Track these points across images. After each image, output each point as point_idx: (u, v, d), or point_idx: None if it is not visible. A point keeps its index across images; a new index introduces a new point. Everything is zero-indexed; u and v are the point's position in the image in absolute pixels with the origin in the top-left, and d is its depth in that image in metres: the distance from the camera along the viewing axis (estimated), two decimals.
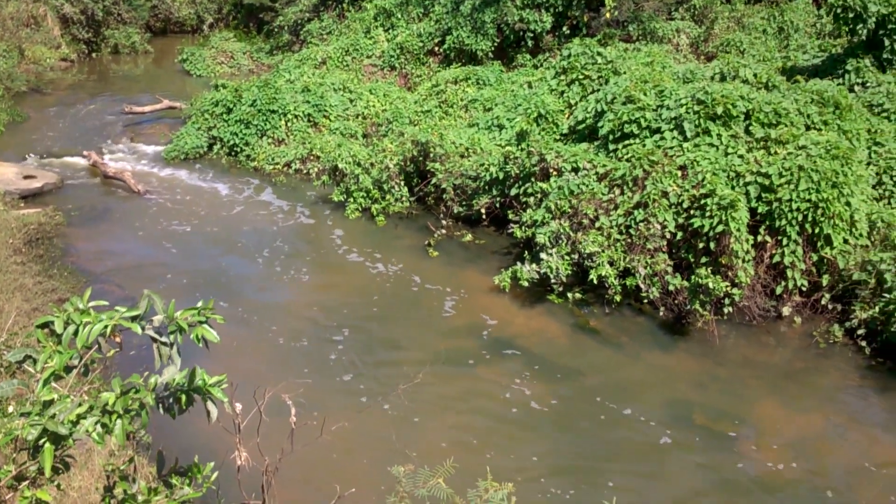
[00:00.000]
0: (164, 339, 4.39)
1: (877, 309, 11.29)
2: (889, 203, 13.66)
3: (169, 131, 20.28)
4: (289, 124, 19.10)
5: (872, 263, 11.69)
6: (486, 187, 14.61)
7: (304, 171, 17.69)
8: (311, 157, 17.86)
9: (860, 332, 11.35)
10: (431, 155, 15.28)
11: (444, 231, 14.48)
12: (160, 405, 4.68)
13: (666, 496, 8.57)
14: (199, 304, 4.11)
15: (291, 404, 6.27)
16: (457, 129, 17.18)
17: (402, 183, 15.54)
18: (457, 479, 6.08)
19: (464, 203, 14.94)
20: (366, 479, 8.09)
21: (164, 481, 4.88)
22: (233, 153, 18.76)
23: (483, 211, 14.57)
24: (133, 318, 3.98)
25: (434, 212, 15.34)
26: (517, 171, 14.00)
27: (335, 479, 7.12)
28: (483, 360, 10.93)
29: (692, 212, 11.98)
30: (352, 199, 15.46)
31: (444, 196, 15.00)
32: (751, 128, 12.93)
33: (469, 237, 14.51)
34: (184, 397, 4.59)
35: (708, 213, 11.63)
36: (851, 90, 16.82)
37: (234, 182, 17.41)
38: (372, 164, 15.78)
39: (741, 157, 12.55)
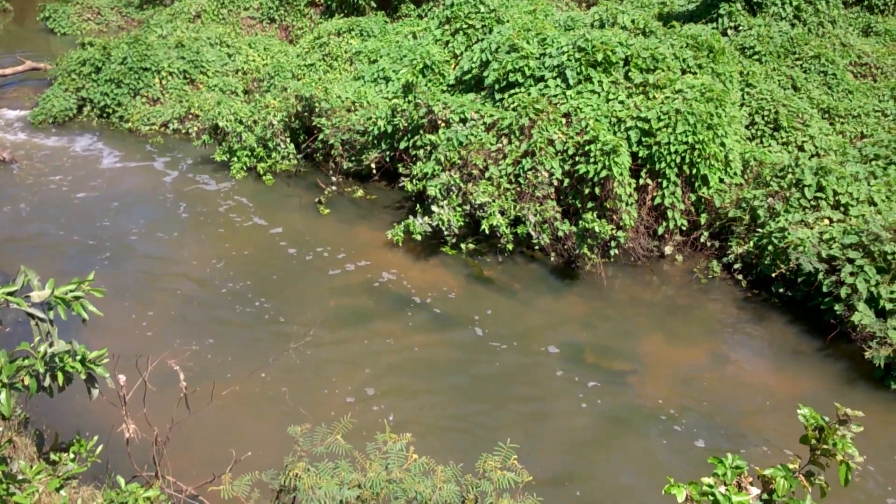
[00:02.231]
0: (41, 315, 4.14)
1: (751, 244, 11.91)
2: (761, 142, 14.36)
3: (34, 94, 18.92)
4: (163, 82, 18.19)
5: (746, 201, 12.29)
6: (375, 141, 14.42)
7: (183, 131, 16.94)
8: (190, 116, 17.12)
9: (737, 266, 11.97)
10: (317, 110, 14.92)
11: (334, 188, 14.23)
12: (38, 384, 4.43)
13: (559, 433, 8.85)
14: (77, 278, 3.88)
15: (179, 370, 6.07)
16: (342, 82, 16.82)
17: (288, 140, 15.12)
18: (355, 435, 6.08)
19: (353, 158, 14.71)
20: (262, 441, 7.97)
21: (45, 459, 4.64)
22: (105, 115, 17.73)
23: (373, 166, 14.39)
24: (10, 294, 3.72)
25: (323, 168, 15.04)
26: (405, 124, 13.87)
27: (231, 445, 6.99)
28: (379, 314, 10.90)
29: (577, 158, 12.21)
30: (236, 159, 14.95)
31: (332, 152, 14.71)
32: (630, 73, 13.24)
33: (360, 193, 14.33)
34: (60, 375, 4.35)
35: (592, 159, 11.89)
36: (724, 34, 17.50)
37: (108, 145, 16.48)
38: (255, 122, 15.26)
39: (622, 102, 12.85)
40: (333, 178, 14.55)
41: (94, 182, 14.76)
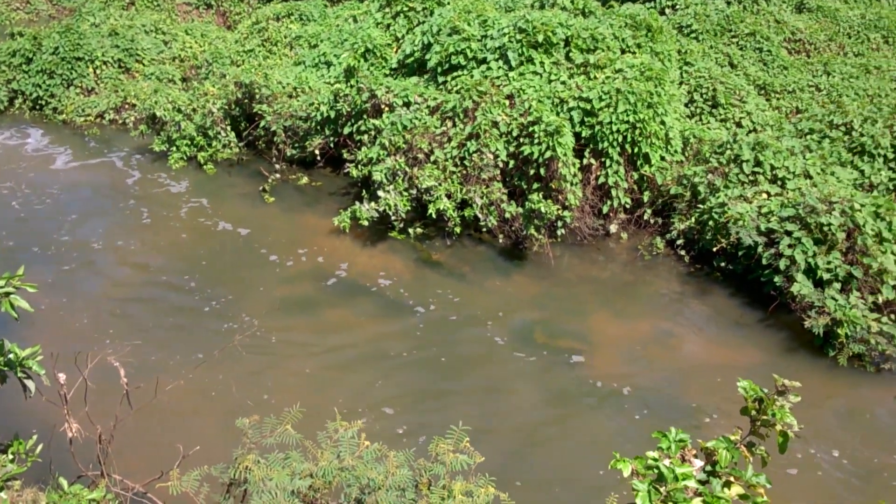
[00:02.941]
0: None
1: (693, 220, 12.13)
2: (700, 119, 14.61)
3: None
4: (98, 72, 17.64)
5: (687, 177, 12.50)
6: (318, 127, 14.24)
7: (120, 122, 16.45)
8: (126, 106, 16.65)
9: (679, 242, 12.18)
10: (257, 96, 14.65)
11: (278, 175, 14.03)
12: None
13: (511, 413, 8.94)
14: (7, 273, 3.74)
15: (120, 367, 5.94)
16: (282, 68, 16.54)
17: (229, 128, 14.83)
18: (306, 424, 6.03)
19: (296, 145, 14.50)
20: (210, 435, 7.86)
21: None
22: (37, 107, 17.12)
23: (317, 152, 14.21)
24: None
25: (266, 156, 14.80)
26: (348, 109, 13.72)
27: (178, 440, 6.87)
28: (327, 302, 10.82)
29: (522, 140, 12.25)
30: (175, 148, 14.60)
31: (274, 139, 14.46)
32: (571, 54, 13.31)
33: (305, 180, 14.16)
34: None
35: (536, 140, 11.93)
36: (662, 13, 17.72)
37: (41, 138, 15.95)
38: (194, 110, 14.92)
39: (563, 83, 12.92)
40: (277, 166, 14.34)
41: (28, 175, 14.28)
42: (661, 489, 2.82)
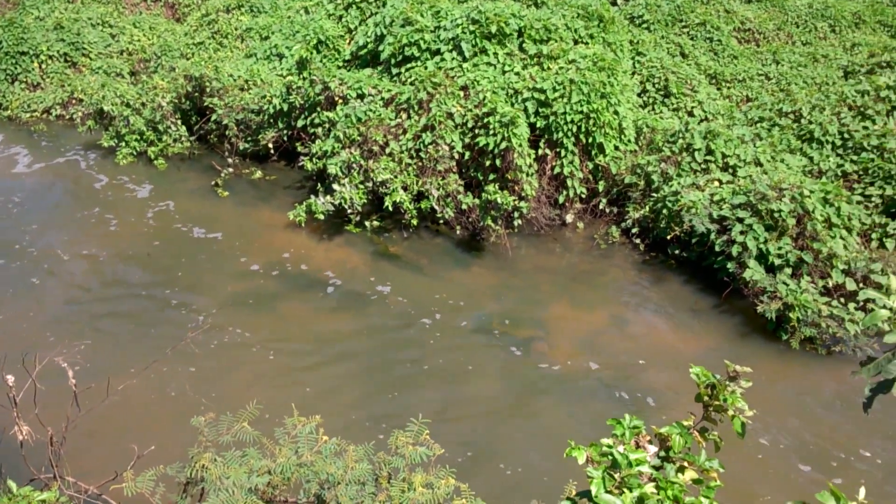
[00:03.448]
0: None
1: (647, 208, 12.27)
2: (653, 109, 14.77)
3: None
4: (43, 66, 17.18)
5: (641, 167, 12.63)
6: (271, 120, 14.07)
7: (67, 117, 16.07)
8: (74, 101, 16.25)
9: (634, 230, 12.31)
10: (208, 90, 14.41)
11: (231, 170, 13.82)
12: None
13: (470, 404, 8.93)
14: None
15: (68, 368, 5.80)
16: (233, 60, 16.29)
17: (179, 122, 14.55)
18: (263, 421, 5.96)
19: (249, 138, 14.30)
20: (165, 435, 7.72)
21: None
22: None
23: (270, 145, 14.04)
24: None
25: (218, 150, 14.57)
26: (302, 102, 13.57)
27: (132, 440, 6.73)
28: (283, 297, 10.69)
29: (477, 131, 12.24)
30: (124, 144, 14.29)
31: (227, 133, 14.24)
32: (524, 45, 13.33)
33: (259, 174, 13.97)
34: None
35: (491, 131, 11.94)
36: (614, 3, 17.85)
37: None
38: (143, 104, 14.63)
39: (518, 74, 12.94)
40: (230, 160, 14.13)
41: None
42: (616, 475, 2.83)
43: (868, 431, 8.66)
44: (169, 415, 8.30)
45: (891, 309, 2.62)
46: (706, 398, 3.26)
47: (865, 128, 13.19)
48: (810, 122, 13.49)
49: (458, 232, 12.29)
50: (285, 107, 13.73)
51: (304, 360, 9.50)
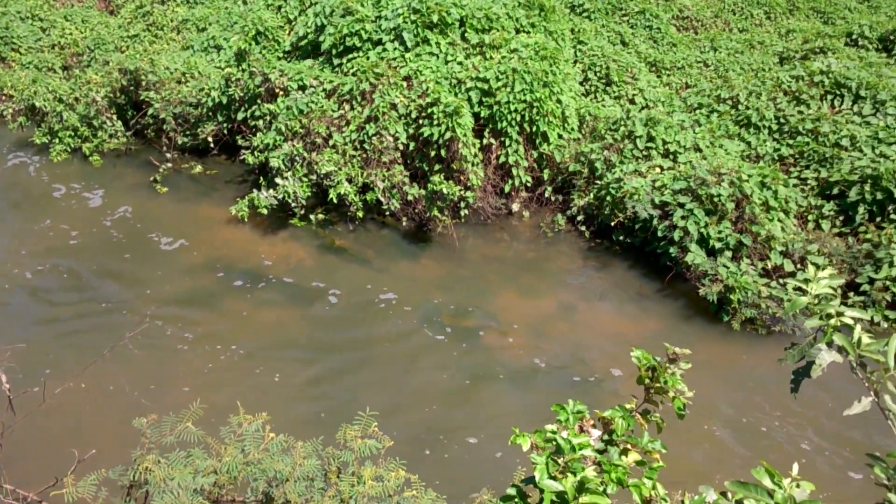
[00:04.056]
0: None
1: (591, 196, 12.38)
2: (595, 97, 14.90)
3: None
4: None
5: (584, 154, 12.73)
6: (210, 114, 13.78)
7: None
8: (3, 98, 15.64)
9: (579, 218, 12.41)
10: (144, 83, 14.03)
11: (170, 165, 13.49)
12: None
13: (420, 396, 8.91)
14: None
15: (1, 372, 5.59)
16: (170, 53, 15.89)
17: (115, 117, 14.14)
18: (208, 420, 5.83)
19: (188, 132, 13.98)
20: (106, 438, 7.53)
21: None
22: None
23: (210, 139, 13.74)
24: None
25: (156, 145, 14.20)
26: (241, 94, 13.32)
27: (72, 445, 6.52)
28: (227, 293, 10.50)
29: (421, 121, 12.18)
30: (57, 140, 13.83)
31: (164, 127, 13.89)
32: (466, 34, 13.30)
33: (199, 168, 13.68)
34: None
35: (436, 122, 11.89)
36: None
37: None
38: (76, 99, 14.18)
39: (460, 63, 12.91)
40: (168, 155, 13.79)
41: None
42: (560, 461, 2.83)
43: (803, 409, 8.90)
44: (109, 418, 8.08)
45: (811, 295, 2.68)
46: (647, 381, 3.29)
47: (800, 112, 13.53)
48: (747, 108, 13.78)
49: (404, 223, 12.23)
50: (224, 99, 13.46)
51: (250, 356, 9.34)
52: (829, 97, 13.98)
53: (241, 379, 8.93)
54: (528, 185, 12.87)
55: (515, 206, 12.77)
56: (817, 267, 2.74)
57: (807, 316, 10.13)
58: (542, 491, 2.77)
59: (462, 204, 11.95)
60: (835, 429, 8.57)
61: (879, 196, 11.53)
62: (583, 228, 12.35)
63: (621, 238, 11.93)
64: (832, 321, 2.60)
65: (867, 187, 11.63)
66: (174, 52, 15.94)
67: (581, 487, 2.63)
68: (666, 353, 3.32)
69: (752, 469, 2.40)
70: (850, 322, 2.65)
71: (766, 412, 8.85)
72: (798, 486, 2.29)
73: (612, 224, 11.88)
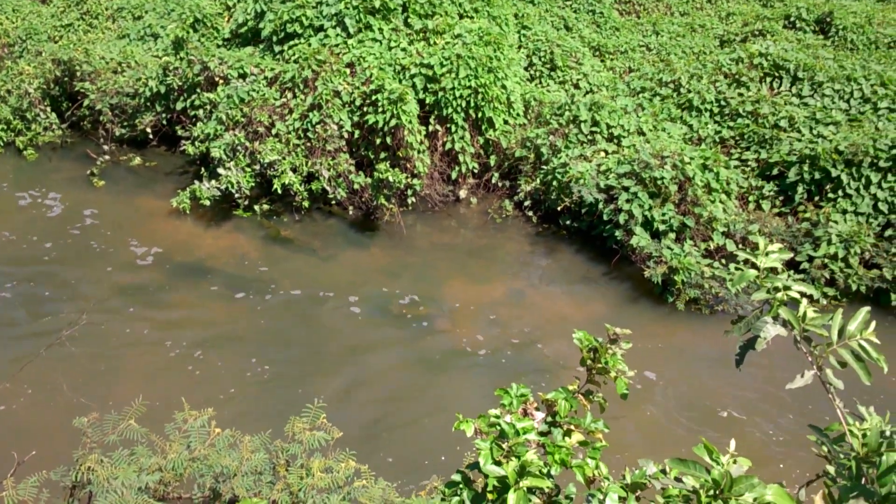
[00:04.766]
0: None
1: (538, 181, 12.42)
2: (540, 82, 14.93)
3: None
4: None
5: (530, 140, 12.77)
6: (148, 104, 13.43)
7: None
8: None
9: (527, 203, 12.46)
10: (79, 74, 13.61)
11: (107, 157, 13.13)
12: None
13: (371, 386, 8.85)
14: None
15: None
16: (105, 42, 15.44)
17: (49, 109, 13.69)
18: (152, 417, 5.71)
19: (126, 124, 13.60)
20: (46, 439, 7.30)
21: None
22: None
23: (149, 130, 13.40)
24: None
25: (93, 137, 13.79)
26: (180, 83, 13.00)
27: (11, 447, 6.32)
28: (170, 287, 10.26)
29: (365, 109, 12.06)
30: None
31: (101, 118, 13.50)
32: (409, 20, 13.20)
33: (138, 160, 13.33)
34: None
35: (380, 109, 11.79)
36: None
37: None
38: (9, 92, 13.69)
39: (404, 49, 12.81)
40: (106, 147, 13.42)
41: None
42: (504, 445, 2.82)
43: (748, 385, 9.09)
44: (49, 418, 7.84)
45: (758, 268, 2.70)
46: (589, 362, 3.30)
47: (741, 94, 13.77)
48: (689, 91, 13.97)
49: (351, 212, 12.12)
50: (163, 89, 13.13)
51: (195, 351, 9.15)
52: (769, 79, 14.27)
53: (186, 374, 8.74)
54: (475, 171, 12.86)
55: (463, 193, 12.75)
56: (767, 241, 2.77)
57: (749, 294, 10.35)
58: (486, 476, 2.75)
59: (409, 192, 11.88)
60: (779, 404, 8.77)
61: (817, 176, 11.82)
62: (530, 214, 12.40)
63: (568, 222, 12.00)
64: (779, 295, 2.62)
65: (805, 167, 11.90)
66: (110, 42, 15.50)
67: (522, 471, 2.61)
68: (607, 334, 3.33)
69: (695, 446, 2.42)
70: (797, 296, 2.67)
71: (710, 389, 9.02)
72: (735, 462, 2.31)
73: (559, 209, 11.94)
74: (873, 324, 2.51)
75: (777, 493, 2.03)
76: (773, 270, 2.76)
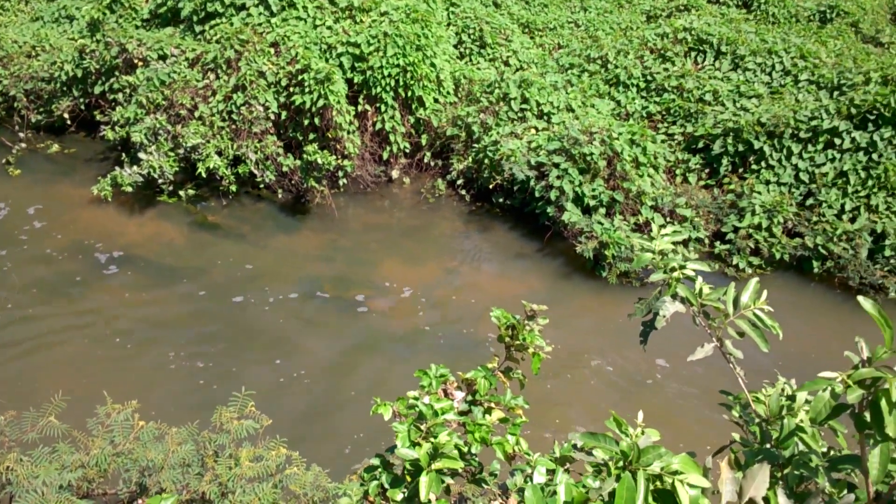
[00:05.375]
0: None
1: (470, 159, 12.39)
2: (470, 60, 14.85)
3: None
4: None
5: (461, 118, 12.71)
6: (65, 88, 12.90)
7: None
8: None
9: (459, 182, 12.42)
10: None
11: (24, 145, 12.59)
12: None
13: (304, 372, 8.73)
14: None
15: None
16: (17, 25, 14.76)
17: None
18: (73, 413, 5.52)
19: (42, 110, 13.05)
20: None
21: None
22: None
23: (66, 116, 12.88)
24: None
25: (7, 124, 13.19)
26: (97, 67, 12.52)
27: None
28: (92, 277, 9.90)
29: (292, 89, 11.81)
30: None
31: (15, 105, 12.91)
32: None
33: (56, 147, 12.81)
34: None
35: (307, 89, 11.56)
36: None
37: None
38: None
39: (330, 28, 12.57)
40: (21, 135, 12.86)
41: None
42: (423, 427, 2.78)
43: (674, 357, 9.28)
44: None
45: (653, 252, 2.75)
46: (507, 339, 3.28)
47: (666, 70, 13.96)
48: (616, 67, 14.10)
49: (280, 196, 11.89)
50: (79, 73, 12.63)
51: (119, 344, 8.87)
52: (693, 54, 14.49)
53: (109, 367, 8.47)
54: (407, 151, 12.75)
55: (395, 173, 12.64)
56: (661, 226, 2.81)
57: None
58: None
59: (340, 173, 11.72)
60: (700, 375, 8.97)
61: (741, 148, 12.08)
62: (463, 192, 12.37)
63: (501, 200, 12.02)
64: (675, 274, 2.66)
65: (729, 140, 12.15)
66: (22, 24, 14.82)
67: (436, 453, 2.58)
68: (524, 310, 3.31)
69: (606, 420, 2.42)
70: (692, 274, 2.71)
71: (643, 357, 9.15)
72: (643, 433, 2.32)
73: (492, 187, 11.94)
74: (765, 293, 2.57)
75: (683, 462, 2.04)
76: (674, 251, 2.81)
